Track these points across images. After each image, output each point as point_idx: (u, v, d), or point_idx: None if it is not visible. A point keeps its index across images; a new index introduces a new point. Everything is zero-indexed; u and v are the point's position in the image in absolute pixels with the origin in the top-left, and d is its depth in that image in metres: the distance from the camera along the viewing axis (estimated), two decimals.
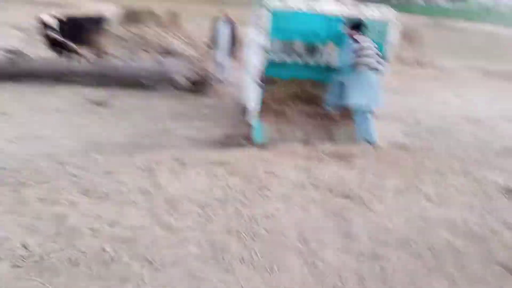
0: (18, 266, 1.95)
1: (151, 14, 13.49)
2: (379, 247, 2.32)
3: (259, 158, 3.62)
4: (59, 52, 8.23)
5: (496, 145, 5.63)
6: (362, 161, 3.66)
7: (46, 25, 7.90)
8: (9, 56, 7.57)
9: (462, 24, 29.68)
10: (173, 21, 13.76)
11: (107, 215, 2.44)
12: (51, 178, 2.82)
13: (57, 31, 7.84)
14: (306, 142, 4.71)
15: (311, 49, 6.59)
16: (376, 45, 4.84)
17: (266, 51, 5.03)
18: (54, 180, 2.79)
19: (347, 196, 2.87)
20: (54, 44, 8.17)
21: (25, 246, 2.08)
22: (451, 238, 2.46)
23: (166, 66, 8.30)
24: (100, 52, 8.89)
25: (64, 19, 8.15)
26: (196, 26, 15.84)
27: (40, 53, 8.48)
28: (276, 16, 4.89)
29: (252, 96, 5.57)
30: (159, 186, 2.86)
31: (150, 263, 2.08)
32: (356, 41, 4.80)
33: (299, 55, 6.50)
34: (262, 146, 4.49)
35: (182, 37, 12.13)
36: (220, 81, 8.92)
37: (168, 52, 10.44)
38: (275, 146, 4.39)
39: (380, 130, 4.69)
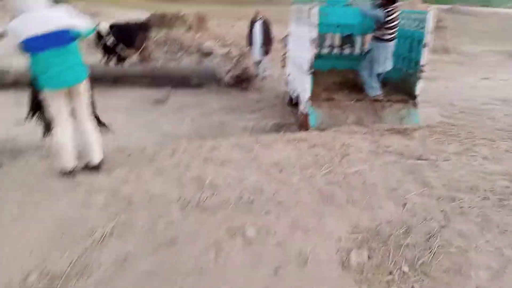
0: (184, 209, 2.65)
1: (179, 18, 14.26)
2: (453, 192, 2.93)
3: (326, 136, 4.23)
4: (112, 58, 9.03)
5: None
6: (419, 134, 4.26)
7: (100, 33, 8.68)
8: None
9: (478, 9, 29.58)
10: (201, 23, 14.50)
11: (233, 175, 3.12)
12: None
13: (111, 38, 8.60)
14: (359, 123, 5.29)
15: (347, 41, 7.25)
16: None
17: (316, 44, 5.59)
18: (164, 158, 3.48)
19: (417, 158, 3.49)
20: (107, 51, 8.96)
21: (183, 197, 2.78)
22: (509, 185, 3.04)
23: (211, 65, 9.02)
24: (146, 56, 9.68)
25: (112, 27, 8.93)
26: (225, 26, 16.57)
27: (89, 59, 9.31)
28: (323, 11, 5.47)
29: (302, 86, 6.14)
30: (260, 156, 3.53)
31: (280, 203, 2.74)
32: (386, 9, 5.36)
33: (336, 47, 7.18)
34: (319, 130, 5.08)
35: (216, 38, 12.86)
36: (259, 77, 9.57)
37: (207, 53, 11.19)
38: (332, 129, 4.97)
39: (421, 113, 5.30)
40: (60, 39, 2.80)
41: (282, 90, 8.92)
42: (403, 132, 4.35)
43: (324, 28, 6.11)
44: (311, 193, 2.90)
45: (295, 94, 6.98)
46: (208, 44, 11.76)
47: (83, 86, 3.04)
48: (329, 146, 3.76)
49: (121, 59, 9.04)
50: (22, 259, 2.24)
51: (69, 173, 3.11)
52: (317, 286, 2.09)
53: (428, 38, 5.53)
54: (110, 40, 8.55)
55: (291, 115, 7.49)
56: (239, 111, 7.80)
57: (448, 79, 10.25)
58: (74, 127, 3.11)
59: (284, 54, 8.54)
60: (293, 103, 7.28)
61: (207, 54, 11.24)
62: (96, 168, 3.23)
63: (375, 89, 5.94)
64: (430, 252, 2.34)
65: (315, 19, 5.40)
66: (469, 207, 2.75)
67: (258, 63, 9.65)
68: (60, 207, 2.72)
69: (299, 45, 6.46)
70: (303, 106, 6.09)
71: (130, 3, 20.82)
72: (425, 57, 5.60)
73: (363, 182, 3.06)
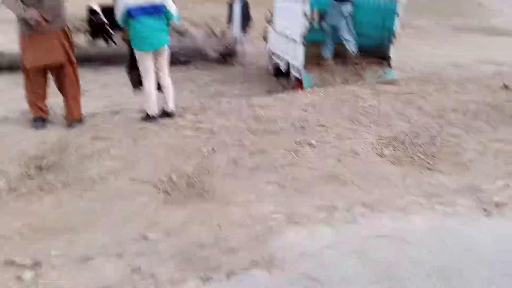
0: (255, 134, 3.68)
1: None
2: (441, 112, 4.21)
3: (334, 90, 5.36)
4: (101, 37, 9.59)
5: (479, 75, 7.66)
6: (402, 82, 5.54)
7: (93, 13, 9.21)
8: None
9: None
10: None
11: (279, 113, 4.19)
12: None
13: (103, 18, 9.17)
14: (345, 83, 6.49)
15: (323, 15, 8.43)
16: None
17: (307, 17, 6.67)
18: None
19: (409, 93, 4.76)
20: (97, 31, 9.51)
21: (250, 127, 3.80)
22: (478, 108, 4.37)
23: (197, 42, 9.87)
24: (127, 39, 10.28)
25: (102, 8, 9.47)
26: (192, 9, 17.18)
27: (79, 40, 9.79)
28: None
29: (294, 55, 7.23)
30: (292, 101, 4.62)
31: (324, 126, 3.86)
32: None
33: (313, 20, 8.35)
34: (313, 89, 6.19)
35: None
36: (241, 53, 10.56)
37: (181, 32, 11.93)
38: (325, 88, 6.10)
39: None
40: (156, 11, 3.71)
41: (264, 64, 10.01)
42: (390, 83, 5.61)
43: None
44: (343, 119, 4.05)
45: (283, 65, 8.07)
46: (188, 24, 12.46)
47: (166, 49, 3.97)
48: (342, 92, 4.93)
49: (110, 39, 9.61)
50: (159, 169, 3.18)
51: (153, 117, 4.03)
52: (369, 166, 3.23)
53: (400, 8, 6.82)
54: (101, 19, 9.11)
55: (277, 84, 8.61)
56: (230, 83, 8.79)
57: (403, 49, 11.76)
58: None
59: (266, 29, 9.57)
60: (281, 72, 8.38)
61: (182, 33, 12.00)
62: (170, 114, 4.16)
63: (327, 50, 7.16)
64: (435, 145, 3.57)
65: None
66: (454, 119, 4.03)
67: (237, 40, 10.62)
68: (163, 139, 3.66)
69: (288, 19, 7.52)
70: (296, 72, 7.20)
71: None
72: (398, 25, 6.90)
73: (377, 110, 4.26)
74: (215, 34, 10.76)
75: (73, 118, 3.99)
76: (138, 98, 6.50)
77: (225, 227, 2.42)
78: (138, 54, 3.88)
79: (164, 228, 2.43)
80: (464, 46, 12.87)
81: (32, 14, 3.51)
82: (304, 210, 2.58)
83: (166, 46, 4.00)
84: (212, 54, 9.75)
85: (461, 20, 18.58)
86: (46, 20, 3.59)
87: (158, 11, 3.76)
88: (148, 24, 3.72)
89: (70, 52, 3.86)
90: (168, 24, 3.94)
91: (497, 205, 2.68)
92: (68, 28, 3.94)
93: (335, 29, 6.88)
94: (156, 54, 3.95)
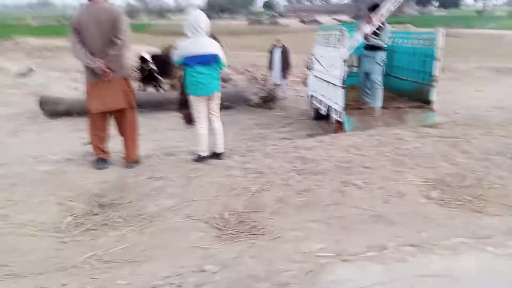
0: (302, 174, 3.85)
1: None
2: (486, 155, 4.21)
3: (376, 133, 5.48)
4: (151, 84, 10.33)
5: None
6: (446, 126, 5.59)
7: (144, 61, 9.98)
8: None
9: (462, 30, 32.19)
10: None
11: (323, 154, 4.35)
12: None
13: (154, 66, 9.92)
14: (387, 126, 6.58)
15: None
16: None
17: (347, 63, 6.93)
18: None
19: (453, 138, 4.80)
20: (147, 78, 10.26)
21: (296, 168, 3.98)
22: None
23: (240, 88, 10.39)
24: (178, 83, 10.99)
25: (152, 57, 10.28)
26: (230, 57, 18.09)
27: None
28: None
29: (335, 99, 7.45)
30: (335, 142, 4.79)
31: (368, 167, 3.97)
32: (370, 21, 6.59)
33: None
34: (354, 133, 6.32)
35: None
36: (281, 97, 10.95)
37: (226, 79, 12.60)
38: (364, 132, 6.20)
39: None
40: (210, 60, 4.10)
41: (304, 108, 10.32)
42: (433, 126, 5.67)
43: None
44: (387, 161, 4.15)
45: (324, 108, 8.31)
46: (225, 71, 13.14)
47: (217, 95, 4.32)
48: (385, 134, 5.05)
49: (158, 86, 10.32)
50: (211, 206, 3.39)
51: (204, 158, 4.31)
52: (416, 207, 3.29)
53: (439, 53, 6.97)
54: (152, 68, 9.85)
55: (318, 127, 8.81)
56: (273, 126, 9.10)
57: (447, 93, 11.74)
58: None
59: (306, 75, 9.94)
60: (321, 116, 8.61)
61: (226, 80, 12.65)
62: (219, 155, 4.43)
63: (364, 96, 7.28)
64: (482, 188, 3.59)
65: (346, 42, 6.78)
66: (500, 162, 4.03)
67: (277, 85, 11.06)
68: (214, 178, 3.89)
69: (328, 64, 7.85)
70: (337, 116, 7.38)
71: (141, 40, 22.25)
72: (437, 69, 7.02)
73: (421, 153, 4.33)
74: (256, 80, 11.28)
75: (131, 159, 4.33)
76: (185, 142, 6.93)
77: (276, 262, 2.55)
78: (192, 99, 4.23)
79: (219, 261, 2.59)
80: (506, 88, 12.67)
81: (100, 64, 3.96)
82: (353, 248, 2.67)
83: (218, 92, 4.34)
84: (254, 99, 10.17)
85: (502, 62, 18.33)
86: (110, 69, 4.03)
87: (212, 60, 4.13)
88: (203, 72, 4.09)
89: (131, 98, 4.27)
90: (220, 73, 4.30)
91: None
92: (129, 75, 4.38)
93: (368, 75, 7.07)
94: (209, 99, 4.29)
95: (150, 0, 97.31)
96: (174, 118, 8.38)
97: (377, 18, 6.34)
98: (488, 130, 5.21)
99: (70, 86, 12.77)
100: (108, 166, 4.35)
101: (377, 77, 6.75)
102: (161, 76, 10.43)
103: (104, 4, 4.00)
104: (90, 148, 4.61)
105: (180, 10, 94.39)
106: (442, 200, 3.42)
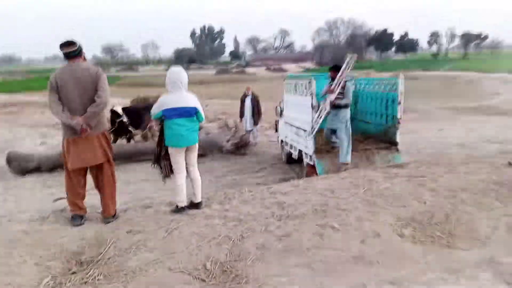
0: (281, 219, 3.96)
1: None
2: (452, 192, 4.48)
3: (347, 175, 5.73)
4: (123, 136, 10.35)
5: (483, 154, 8.01)
6: (412, 165, 5.90)
7: (116, 114, 10.04)
8: None
9: (420, 73, 34.29)
10: None
11: (299, 198, 4.49)
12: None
13: (125, 118, 10.00)
14: (357, 167, 6.86)
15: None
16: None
17: (315, 109, 7.26)
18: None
19: (419, 177, 5.09)
20: (118, 130, 10.29)
21: (274, 213, 4.09)
22: (488, 186, 4.65)
23: (213, 136, 10.58)
24: (151, 133, 11.08)
25: (123, 109, 10.39)
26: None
27: None
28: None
29: (305, 144, 7.73)
30: (310, 187, 4.95)
31: (344, 209, 4.13)
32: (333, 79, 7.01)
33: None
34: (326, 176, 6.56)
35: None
36: (253, 143, 11.20)
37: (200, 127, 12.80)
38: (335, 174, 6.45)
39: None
40: (189, 113, 4.26)
41: (275, 152, 10.58)
42: (400, 166, 5.97)
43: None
44: (361, 202, 4.33)
45: (295, 152, 8.57)
46: None
47: (196, 147, 4.46)
48: (356, 176, 5.28)
49: (130, 137, 10.37)
50: (193, 257, 3.42)
51: (183, 208, 4.36)
52: (392, 246, 3.45)
53: (400, 97, 7.46)
54: (124, 119, 9.93)
55: (290, 171, 9.03)
56: (247, 172, 9.26)
57: (410, 133, 12.36)
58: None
59: (276, 121, 10.29)
60: (293, 160, 8.86)
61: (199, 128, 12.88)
62: (198, 205, 4.49)
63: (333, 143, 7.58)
64: (451, 223, 3.80)
65: (314, 89, 7.15)
66: (466, 198, 4.30)
67: (249, 131, 11.34)
68: (194, 228, 3.93)
69: (298, 111, 8.19)
70: (308, 159, 7.63)
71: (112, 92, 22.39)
72: (400, 112, 7.48)
73: (392, 193, 4.55)
74: (228, 127, 11.54)
75: (109, 214, 4.32)
76: (160, 193, 6.93)
77: None
78: (172, 150, 4.34)
79: None
80: (464, 126, 13.47)
81: (78, 122, 4.04)
82: None
83: (196, 144, 4.47)
84: (227, 146, 10.36)
85: (460, 102, 19.59)
86: (89, 126, 4.11)
87: (192, 113, 4.31)
88: (183, 124, 4.25)
89: (109, 153, 4.33)
90: (198, 125, 4.46)
91: None
92: (107, 130, 4.46)
93: (334, 132, 7.35)
94: (188, 150, 4.41)
95: (117, 52, 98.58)
96: (147, 169, 8.41)
97: (337, 86, 6.82)
98: (452, 168, 5.54)
99: (37, 141, 12.61)
100: (85, 222, 4.31)
101: (342, 134, 7.03)
102: (133, 127, 10.51)
103: (84, 64, 4.15)
104: (62, 204, 4.56)
105: (147, 62, 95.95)
106: (414, 237, 3.60)
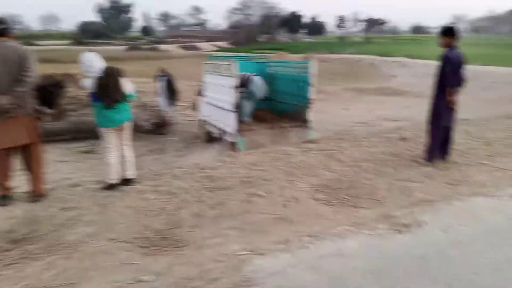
0: (213, 191, 4.39)
1: (71, 77, 15.12)
2: (356, 162, 5.28)
3: (268, 150, 6.29)
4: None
5: (382, 130, 9.21)
6: (323, 141, 6.68)
7: None
8: None
9: (326, 55, 36.49)
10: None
11: (228, 172, 4.94)
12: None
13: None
14: (275, 144, 7.51)
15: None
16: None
17: (236, 89, 7.73)
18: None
19: (328, 150, 5.84)
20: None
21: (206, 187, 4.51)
22: (385, 157, 5.53)
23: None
24: (62, 112, 10.58)
25: None
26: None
27: None
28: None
29: (227, 122, 8.17)
30: (237, 161, 5.42)
31: (266, 179, 4.68)
32: None
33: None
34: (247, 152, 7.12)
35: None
36: (170, 123, 11.33)
37: None
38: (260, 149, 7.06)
39: None
40: None
41: (195, 131, 10.87)
42: (312, 142, 6.72)
43: None
44: (281, 173, 4.93)
45: (217, 131, 8.96)
46: None
47: (128, 125, 4.61)
48: (276, 151, 5.88)
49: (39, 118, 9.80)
50: (132, 229, 3.70)
51: (114, 186, 4.54)
52: (308, 208, 4.07)
53: (312, 79, 8.21)
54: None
55: (212, 149, 9.41)
56: (168, 151, 9.42)
57: (319, 112, 13.34)
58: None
59: (195, 101, 10.49)
60: (213, 139, 9.26)
61: None
62: (129, 181, 4.70)
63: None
64: (355, 188, 4.56)
65: (236, 70, 7.57)
66: (367, 167, 5.11)
67: (166, 112, 11.43)
68: (129, 202, 4.18)
69: (219, 91, 8.56)
70: (230, 137, 8.08)
71: None
72: (312, 92, 8.25)
73: (306, 164, 5.22)
74: (146, 106, 11.46)
75: (38, 193, 4.34)
76: (79, 173, 6.87)
77: (205, 264, 3.02)
78: (102, 130, 4.47)
79: (153, 271, 2.96)
80: (366, 106, 14.99)
81: (4, 101, 3.98)
82: (265, 245, 3.29)
83: (128, 122, 4.64)
84: (145, 125, 10.36)
85: (363, 83, 21.51)
86: (18, 105, 4.07)
87: None
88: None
89: (36, 133, 4.32)
90: (129, 103, 4.62)
91: (405, 225, 3.63)
92: (33, 111, 4.42)
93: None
94: (120, 129, 4.57)
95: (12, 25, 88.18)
96: (61, 150, 8.21)
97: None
98: (356, 143, 6.41)
99: None
100: (12, 202, 4.29)
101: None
102: (44, 107, 9.95)
103: (11, 43, 4.05)
104: None
105: (47, 35, 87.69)
106: (326, 200, 4.27)
